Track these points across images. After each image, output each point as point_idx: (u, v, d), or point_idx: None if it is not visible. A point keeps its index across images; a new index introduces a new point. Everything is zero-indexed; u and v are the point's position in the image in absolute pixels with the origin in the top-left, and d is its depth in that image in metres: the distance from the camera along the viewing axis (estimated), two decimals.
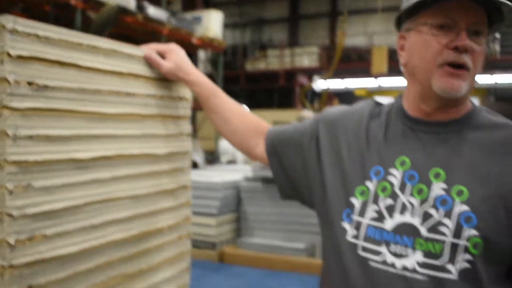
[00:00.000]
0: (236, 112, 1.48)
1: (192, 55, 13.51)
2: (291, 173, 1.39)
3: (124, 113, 1.28)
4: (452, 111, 1.19)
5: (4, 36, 1.00)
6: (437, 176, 1.13)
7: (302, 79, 16.51)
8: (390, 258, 1.12)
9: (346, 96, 15.68)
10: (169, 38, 9.95)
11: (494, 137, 1.15)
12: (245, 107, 1.55)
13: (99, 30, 8.35)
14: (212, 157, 9.48)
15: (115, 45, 1.27)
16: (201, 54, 16.02)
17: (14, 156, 0.99)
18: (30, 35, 1.05)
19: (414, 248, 1.10)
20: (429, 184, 1.13)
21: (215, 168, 4.25)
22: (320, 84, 14.21)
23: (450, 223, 1.08)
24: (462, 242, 1.06)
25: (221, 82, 12.59)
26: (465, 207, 1.08)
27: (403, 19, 1.23)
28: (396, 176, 1.17)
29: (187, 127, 1.54)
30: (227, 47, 14.09)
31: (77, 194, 1.13)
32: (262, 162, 1.48)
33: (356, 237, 1.17)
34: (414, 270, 1.09)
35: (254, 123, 1.49)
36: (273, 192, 3.02)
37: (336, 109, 1.40)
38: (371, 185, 1.19)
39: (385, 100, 1.36)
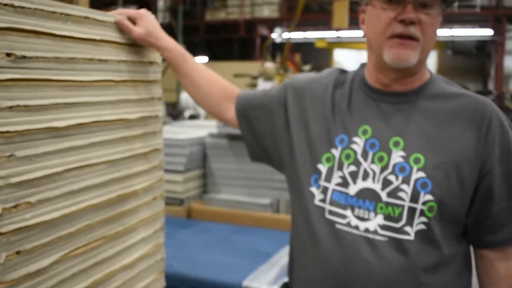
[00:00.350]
0: (207, 77, 1.53)
1: (151, 5, 13.22)
2: (260, 137, 1.46)
3: (98, 80, 1.30)
4: (409, 82, 1.26)
5: None
6: (396, 144, 1.21)
7: (263, 30, 16.39)
8: (354, 221, 1.21)
9: (307, 48, 15.70)
10: None
11: (448, 107, 1.23)
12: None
13: None
14: (175, 111, 9.45)
15: (87, 12, 1.28)
16: (160, 3, 15.68)
17: None
18: (6, 5, 1.05)
19: (375, 212, 1.19)
20: (389, 152, 1.21)
21: (179, 123, 4.27)
22: (281, 35, 14.15)
23: (408, 189, 1.18)
24: (418, 206, 1.17)
25: (180, 33, 12.40)
26: (421, 174, 1.17)
27: None
28: (358, 144, 1.25)
29: (158, 91, 1.57)
30: None
31: (56, 162, 1.17)
32: (232, 125, 1.53)
33: (323, 201, 1.26)
34: (375, 232, 1.19)
35: (225, 87, 1.54)
36: (238, 149, 3.08)
37: (303, 76, 1.46)
38: (336, 152, 1.27)
39: (349, 60, 1.42)
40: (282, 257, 2.21)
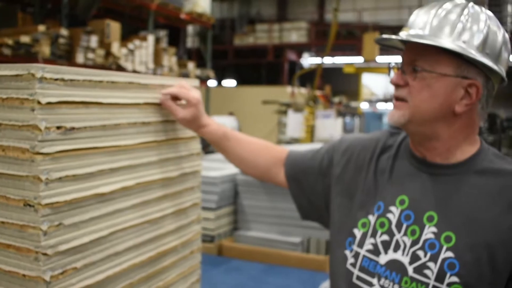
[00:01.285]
0: (251, 149, 1.56)
1: (180, 30, 13.43)
2: (311, 197, 1.50)
3: (142, 142, 1.35)
4: (435, 150, 1.24)
5: (33, 85, 1.06)
6: (430, 219, 1.20)
7: (291, 55, 16.49)
8: None
9: (334, 74, 15.71)
10: (157, 13, 9.91)
11: (492, 185, 1.18)
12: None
13: (87, 5, 8.29)
14: (205, 143, 9.51)
15: (131, 77, 1.33)
16: (190, 29, 15.92)
17: (47, 199, 1.06)
18: (56, 80, 1.10)
19: (400, 285, 1.19)
20: (422, 227, 1.20)
21: (209, 158, 4.32)
22: (310, 61, 14.21)
23: (434, 267, 1.16)
24: (443, 287, 1.14)
25: (209, 57, 12.56)
26: (450, 254, 1.15)
27: None
28: (394, 213, 1.25)
29: (197, 146, 1.61)
30: (215, 21, 14.03)
31: (101, 226, 1.21)
32: (284, 187, 1.57)
33: (353, 265, 1.28)
34: None
35: (271, 154, 1.57)
36: (270, 186, 3.10)
37: (352, 136, 1.49)
38: (372, 218, 1.28)
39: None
40: None
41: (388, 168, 1.32)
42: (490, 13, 1.21)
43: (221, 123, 1.59)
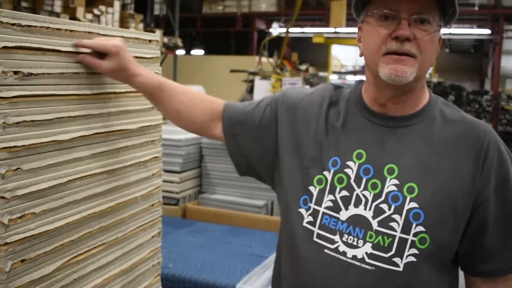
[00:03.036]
0: (187, 102, 1.44)
1: None
2: (248, 153, 1.42)
3: (100, 92, 1.35)
4: (405, 101, 1.23)
5: None
6: (390, 172, 1.20)
7: (260, 25, 16.40)
8: (342, 247, 1.20)
9: (303, 44, 15.71)
10: None
11: (446, 133, 1.21)
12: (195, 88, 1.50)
13: None
14: None
15: (90, 27, 1.33)
16: None
17: (5, 143, 1.07)
18: (13, 25, 1.10)
19: (364, 240, 1.18)
20: (383, 180, 1.20)
21: None
22: (279, 30, 14.17)
23: (399, 219, 1.16)
24: (410, 238, 1.15)
25: (177, 25, 12.40)
26: (414, 204, 1.16)
27: (360, 10, 1.26)
28: (352, 168, 1.23)
29: None
30: None
31: (60, 173, 1.22)
32: (221, 141, 1.49)
33: (312, 223, 1.25)
34: (362, 260, 1.18)
35: (208, 107, 1.46)
36: None
37: (296, 92, 1.42)
38: (328, 175, 1.25)
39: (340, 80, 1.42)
40: None
41: (340, 123, 1.29)
42: None
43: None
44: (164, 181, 1.74)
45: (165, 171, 2.83)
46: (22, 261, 1.12)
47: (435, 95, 1.30)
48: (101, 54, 1.31)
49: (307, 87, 5.28)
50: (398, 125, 1.24)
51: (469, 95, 13.61)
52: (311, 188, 1.27)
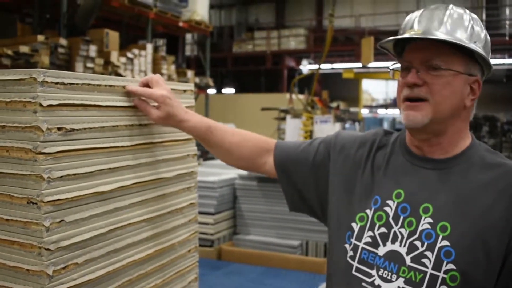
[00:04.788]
0: (237, 141, 1.52)
1: (179, 38, 13.51)
2: (300, 188, 1.49)
3: (138, 143, 1.40)
4: (440, 145, 1.29)
5: (35, 88, 1.11)
6: (425, 211, 1.25)
7: (290, 62, 16.58)
8: (377, 281, 1.26)
9: (333, 80, 15.78)
10: (155, 22, 9.98)
11: (482, 177, 1.25)
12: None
13: (86, 15, 8.36)
14: (204, 149, 9.56)
15: (128, 81, 1.39)
16: (188, 37, 16.01)
17: (49, 197, 1.12)
18: (57, 84, 1.16)
19: (398, 275, 1.24)
20: (418, 218, 1.25)
21: (209, 163, 4.38)
22: (309, 67, 14.29)
23: (431, 256, 1.21)
24: (440, 275, 1.19)
25: (208, 65, 12.63)
26: (446, 242, 1.20)
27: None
28: (391, 207, 1.30)
29: (193, 148, 1.66)
30: (214, 28, 14.09)
31: (101, 223, 1.26)
32: (271, 176, 1.55)
33: (352, 258, 1.32)
34: None
35: (258, 144, 1.54)
36: (268, 190, 3.16)
37: (349, 134, 1.50)
38: (369, 212, 1.32)
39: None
40: None
41: (384, 164, 1.36)
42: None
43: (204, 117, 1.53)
44: (198, 223, 1.77)
45: (199, 213, 2.85)
46: None
47: (479, 142, 1.34)
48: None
49: (338, 124, 5.30)
50: (435, 167, 1.30)
51: (503, 125, 13.40)
52: (353, 224, 1.34)
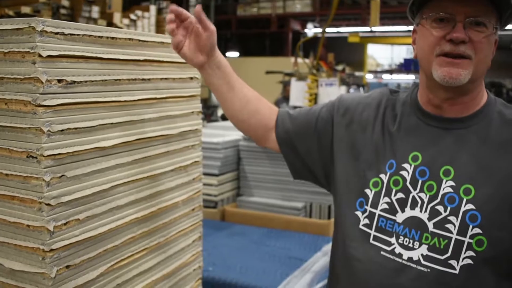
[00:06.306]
0: (247, 109, 1.46)
1: (183, 0, 13.32)
2: (305, 158, 1.44)
3: (141, 98, 1.36)
4: (461, 102, 1.23)
5: (34, 38, 1.07)
6: (446, 173, 1.19)
7: (295, 25, 16.36)
8: (398, 249, 1.21)
9: (339, 44, 15.59)
10: None
11: (504, 134, 1.19)
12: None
13: None
14: (207, 110, 9.52)
15: (131, 34, 1.34)
16: None
17: (49, 151, 1.08)
18: (57, 34, 1.12)
19: (420, 242, 1.18)
20: (439, 182, 1.19)
21: (212, 125, 4.34)
22: (314, 31, 14.11)
23: (456, 221, 1.15)
24: (466, 240, 1.14)
25: None
26: (470, 206, 1.15)
27: (415, 13, 1.27)
28: (408, 170, 1.24)
29: (197, 105, 1.62)
30: None
31: (103, 179, 1.23)
32: (274, 150, 1.50)
33: (368, 226, 1.26)
34: (418, 262, 1.18)
35: (262, 121, 1.48)
36: (272, 152, 3.12)
37: (351, 97, 1.44)
38: (384, 177, 1.26)
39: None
40: (315, 263, 2.25)
41: (395, 125, 1.30)
42: None
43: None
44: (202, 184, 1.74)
45: (203, 174, 2.83)
46: (67, 267, 1.14)
47: (495, 97, 1.28)
48: None
49: (344, 87, 5.23)
50: (454, 126, 1.24)
51: (509, 92, 13.28)
52: (367, 190, 1.28)
